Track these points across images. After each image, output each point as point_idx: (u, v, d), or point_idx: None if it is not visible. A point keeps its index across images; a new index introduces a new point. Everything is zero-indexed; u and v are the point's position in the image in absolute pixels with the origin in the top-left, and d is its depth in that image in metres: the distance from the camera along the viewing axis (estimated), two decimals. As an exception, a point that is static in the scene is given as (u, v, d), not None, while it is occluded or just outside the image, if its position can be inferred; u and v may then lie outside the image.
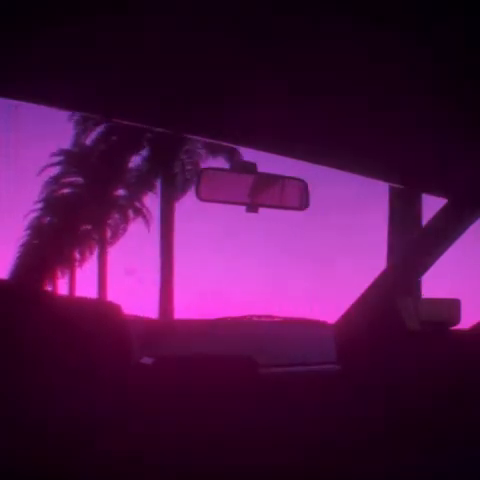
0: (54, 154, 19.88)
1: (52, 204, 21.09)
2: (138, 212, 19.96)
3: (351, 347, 2.26)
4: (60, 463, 1.44)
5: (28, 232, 23.08)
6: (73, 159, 19.79)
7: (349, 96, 1.62)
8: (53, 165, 20.07)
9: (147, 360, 1.84)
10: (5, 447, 1.41)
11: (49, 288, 25.46)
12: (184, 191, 17.30)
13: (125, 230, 20.51)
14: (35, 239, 22.95)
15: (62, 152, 19.85)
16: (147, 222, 19.31)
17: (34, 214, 21.46)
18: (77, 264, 24.51)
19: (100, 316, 1.71)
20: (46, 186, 20.57)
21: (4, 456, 1.41)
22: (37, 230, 22.54)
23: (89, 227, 21.64)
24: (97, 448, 1.49)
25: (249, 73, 1.51)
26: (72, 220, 20.67)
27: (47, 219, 22.24)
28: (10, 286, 1.85)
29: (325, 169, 2.13)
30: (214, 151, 16.83)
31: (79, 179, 20.20)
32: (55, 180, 20.42)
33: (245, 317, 2.39)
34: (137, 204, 19.84)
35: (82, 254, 23.68)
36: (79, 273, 25.14)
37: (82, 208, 19.86)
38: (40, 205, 21.26)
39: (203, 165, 16.65)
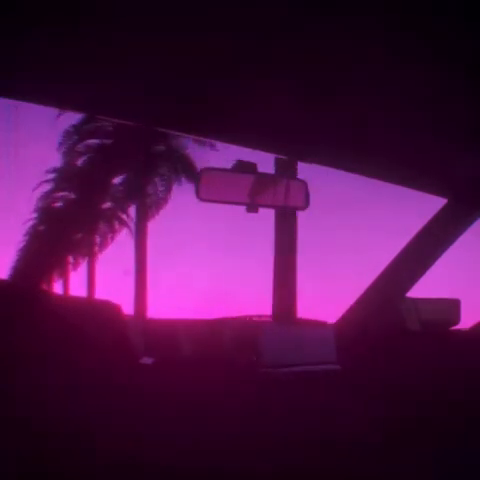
0: (47, 171, 21.01)
1: (46, 215, 22.62)
2: (123, 223, 21.58)
3: (351, 347, 2.25)
4: (60, 462, 1.44)
5: (26, 238, 24.34)
6: (64, 176, 20.94)
7: (348, 96, 1.62)
8: (46, 182, 21.33)
9: (147, 360, 1.84)
10: (4, 447, 1.41)
11: (45, 289, 26.17)
12: (157, 209, 19.22)
13: (113, 239, 22.10)
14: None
15: (54, 170, 20.95)
16: (131, 232, 20.30)
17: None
18: (71, 268, 25.76)
19: (100, 316, 1.71)
20: (40, 200, 21.97)
21: (4, 456, 1.41)
22: (34, 236, 23.88)
23: (80, 235, 23.22)
24: (97, 447, 1.49)
25: (249, 73, 1.51)
26: (65, 230, 22.19)
27: (42, 228, 23.72)
28: (10, 286, 1.85)
29: (325, 169, 2.13)
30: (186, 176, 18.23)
31: (70, 194, 21.76)
32: (48, 195, 21.88)
33: (245, 317, 2.39)
34: (122, 216, 21.40)
35: (75, 259, 25.14)
36: (73, 276, 26.27)
37: (73, 219, 21.35)
38: (35, 215, 22.81)
39: (175, 187, 18.51)
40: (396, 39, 1.33)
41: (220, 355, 2.05)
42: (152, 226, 19.21)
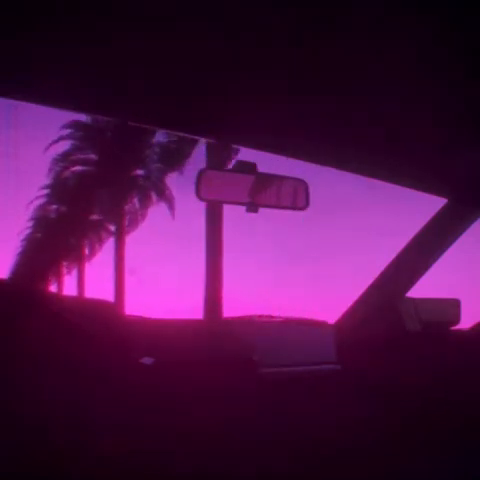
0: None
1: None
2: (109, 233, 20.37)
3: (351, 347, 2.25)
4: (60, 462, 1.44)
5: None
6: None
7: (348, 96, 1.62)
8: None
9: (147, 360, 1.84)
10: (4, 446, 1.41)
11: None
12: (135, 226, 19.24)
13: (101, 246, 21.00)
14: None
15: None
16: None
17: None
18: (65, 271, 24.81)
19: (100, 316, 1.71)
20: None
21: (4, 455, 1.41)
22: (31, 242, 22.72)
23: (72, 242, 22.14)
24: (97, 447, 1.49)
25: (249, 73, 1.51)
26: (58, 238, 21.05)
27: (38, 235, 22.23)
28: (10, 286, 1.85)
29: (325, 169, 2.13)
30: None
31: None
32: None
33: (245, 317, 2.40)
34: (109, 226, 20.51)
35: (69, 264, 24.11)
36: (66, 279, 25.01)
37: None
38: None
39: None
40: (396, 39, 1.33)
41: (220, 355, 2.05)
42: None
